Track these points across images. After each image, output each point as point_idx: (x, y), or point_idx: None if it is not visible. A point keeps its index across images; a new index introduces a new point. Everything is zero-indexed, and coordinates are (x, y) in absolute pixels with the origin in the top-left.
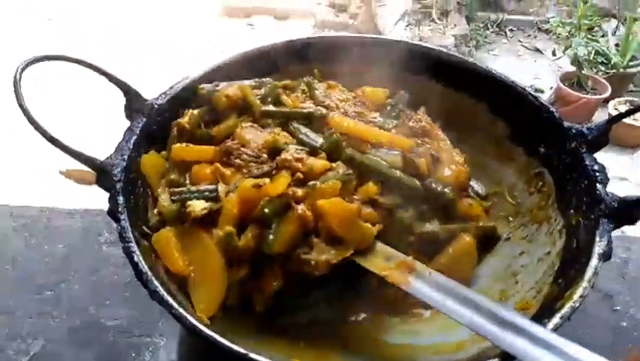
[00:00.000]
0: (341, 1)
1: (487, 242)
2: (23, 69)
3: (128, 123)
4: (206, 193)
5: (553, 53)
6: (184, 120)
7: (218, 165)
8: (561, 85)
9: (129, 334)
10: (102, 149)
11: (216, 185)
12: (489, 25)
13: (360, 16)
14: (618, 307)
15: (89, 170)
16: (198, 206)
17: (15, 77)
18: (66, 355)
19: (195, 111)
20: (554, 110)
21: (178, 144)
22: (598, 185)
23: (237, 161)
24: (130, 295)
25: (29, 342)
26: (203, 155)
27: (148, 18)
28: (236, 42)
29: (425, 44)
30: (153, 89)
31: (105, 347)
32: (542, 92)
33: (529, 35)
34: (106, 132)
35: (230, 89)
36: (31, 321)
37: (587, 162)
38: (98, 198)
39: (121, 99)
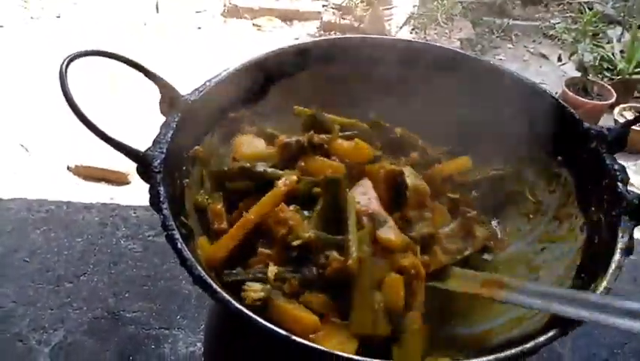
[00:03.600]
0: (347, 4)
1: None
2: (69, 63)
3: (152, 116)
4: (259, 275)
5: (559, 59)
6: (200, 200)
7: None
8: (566, 90)
9: (148, 326)
10: (135, 142)
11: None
12: (494, 30)
13: (366, 18)
14: None
15: (96, 167)
16: (255, 292)
17: (61, 70)
18: (87, 346)
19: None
20: (574, 111)
21: (203, 240)
22: (619, 183)
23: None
24: (148, 289)
25: (50, 333)
26: (229, 244)
27: (154, 18)
28: (243, 42)
29: (445, 46)
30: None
31: (125, 339)
32: None
33: (534, 41)
34: (135, 126)
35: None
36: (51, 312)
37: (608, 162)
38: (109, 195)
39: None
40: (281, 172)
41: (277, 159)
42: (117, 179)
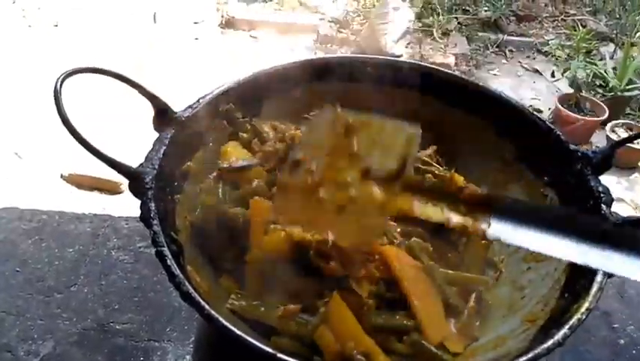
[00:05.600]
0: (343, 17)
1: None
2: (63, 80)
3: (145, 133)
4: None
5: (552, 75)
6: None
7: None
8: (559, 106)
9: (138, 338)
10: (126, 158)
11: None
12: (489, 46)
13: (362, 32)
14: (616, 325)
15: (89, 176)
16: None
17: (55, 87)
18: (76, 357)
19: None
20: (560, 133)
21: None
22: (603, 205)
23: None
24: (138, 300)
25: (39, 343)
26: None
27: (152, 28)
28: (240, 54)
29: (434, 66)
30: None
31: (114, 351)
32: (541, 112)
33: (528, 57)
34: (126, 142)
35: None
36: (41, 323)
37: (592, 184)
38: (102, 205)
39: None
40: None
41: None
42: (110, 188)
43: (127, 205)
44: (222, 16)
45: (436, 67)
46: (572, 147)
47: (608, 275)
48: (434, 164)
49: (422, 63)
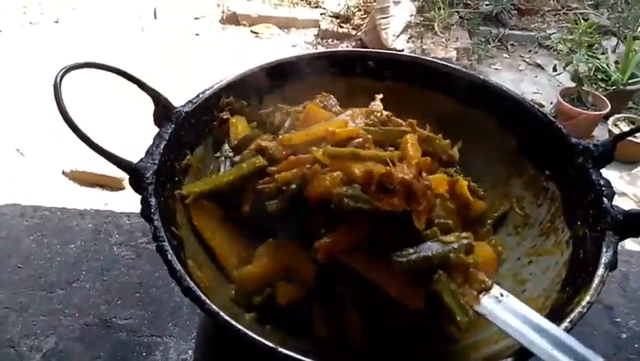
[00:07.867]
0: (345, 12)
1: None
2: (63, 75)
3: (146, 128)
4: None
5: (554, 69)
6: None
7: None
8: (561, 100)
9: (140, 333)
10: (127, 154)
11: None
12: (491, 40)
13: (363, 27)
14: (618, 319)
15: (91, 172)
16: None
17: (55, 81)
18: (78, 353)
19: None
20: (562, 126)
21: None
22: (604, 199)
23: None
24: (140, 296)
25: (42, 339)
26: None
27: (153, 24)
28: (241, 49)
29: (439, 61)
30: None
31: (116, 346)
32: (543, 106)
33: (530, 51)
34: (127, 137)
35: None
36: (43, 319)
37: (594, 177)
38: (104, 201)
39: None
40: None
41: None
42: (112, 184)
43: (129, 201)
44: (223, 12)
45: (438, 60)
46: (573, 140)
47: (610, 269)
48: None
49: (424, 57)
